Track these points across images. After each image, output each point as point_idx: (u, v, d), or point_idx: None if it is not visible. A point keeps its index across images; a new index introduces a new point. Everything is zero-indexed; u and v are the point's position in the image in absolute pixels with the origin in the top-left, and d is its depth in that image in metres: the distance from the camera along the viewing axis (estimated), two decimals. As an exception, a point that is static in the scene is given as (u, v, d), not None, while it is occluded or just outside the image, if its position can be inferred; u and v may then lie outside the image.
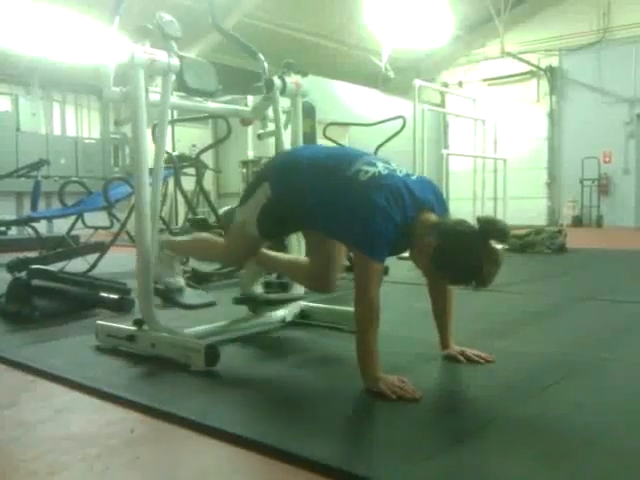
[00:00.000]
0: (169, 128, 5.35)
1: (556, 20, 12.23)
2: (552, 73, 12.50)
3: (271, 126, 2.82)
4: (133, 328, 2.26)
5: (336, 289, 2.34)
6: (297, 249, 2.73)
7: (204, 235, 2.50)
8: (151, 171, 2.30)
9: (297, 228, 2.32)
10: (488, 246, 1.76)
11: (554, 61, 12.49)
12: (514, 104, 12.89)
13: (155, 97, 2.28)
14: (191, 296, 2.47)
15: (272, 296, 2.68)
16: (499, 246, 1.82)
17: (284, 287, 2.82)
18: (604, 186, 11.88)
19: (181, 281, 2.46)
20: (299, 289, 2.72)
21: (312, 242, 2.34)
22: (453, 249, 1.77)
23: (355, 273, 1.85)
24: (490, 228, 1.76)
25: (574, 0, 12.06)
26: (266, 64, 2.68)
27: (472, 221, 1.83)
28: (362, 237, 1.81)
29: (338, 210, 1.90)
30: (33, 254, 4.17)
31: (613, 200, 11.85)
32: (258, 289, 2.61)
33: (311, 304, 2.80)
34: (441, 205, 1.95)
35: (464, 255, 1.75)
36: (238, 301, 2.57)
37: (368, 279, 1.80)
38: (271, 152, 2.90)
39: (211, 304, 2.51)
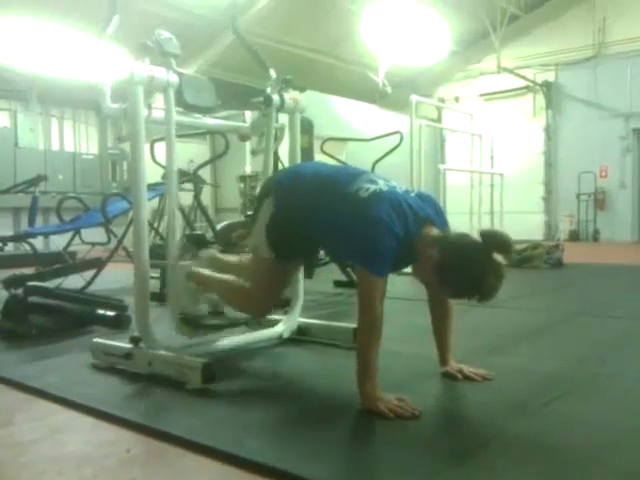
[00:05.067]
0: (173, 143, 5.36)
1: (552, 36, 12.34)
2: (548, 88, 12.59)
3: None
4: (130, 346, 2.25)
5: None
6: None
7: (233, 278, 2.30)
8: (150, 186, 2.32)
9: (307, 246, 2.24)
10: (491, 259, 1.76)
11: (550, 76, 12.59)
12: (510, 119, 12.96)
13: (157, 113, 2.30)
14: (216, 319, 2.45)
15: (214, 321, 2.53)
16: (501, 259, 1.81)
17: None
18: (601, 201, 11.92)
19: (204, 309, 2.43)
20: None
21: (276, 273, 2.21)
22: (457, 262, 1.77)
23: (358, 289, 1.85)
24: (493, 241, 1.77)
25: (569, 16, 12.19)
26: (274, 77, 2.66)
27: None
28: (365, 253, 1.81)
29: (339, 227, 1.91)
30: (30, 271, 4.15)
31: (610, 215, 11.88)
32: (201, 309, 2.46)
33: (308, 320, 2.78)
34: (441, 219, 1.96)
35: (468, 268, 1.76)
36: (182, 321, 2.38)
37: (371, 295, 1.79)
38: (270, 168, 2.90)
39: (239, 324, 2.50)
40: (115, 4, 2.31)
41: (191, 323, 2.33)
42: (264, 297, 2.18)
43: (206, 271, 2.38)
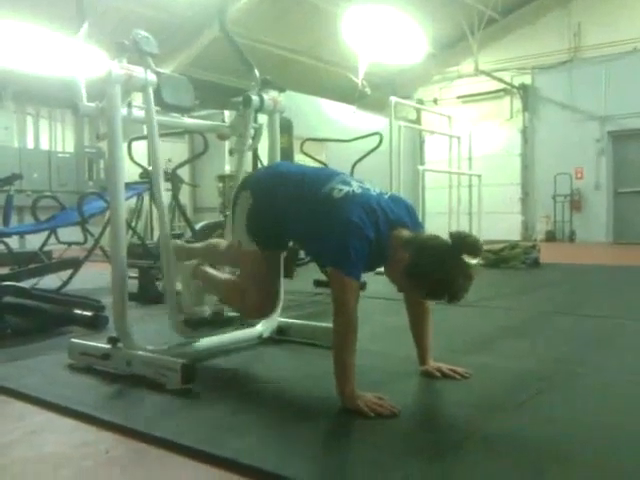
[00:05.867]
0: (144, 143, 5.33)
1: (528, 39, 12.50)
2: (525, 91, 12.74)
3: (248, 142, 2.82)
4: (107, 346, 2.23)
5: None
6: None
7: (238, 280, 2.30)
8: (127, 186, 2.31)
9: (285, 239, 2.23)
10: (460, 260, 1.79)
11: (527, 79, 12.75)
12: (488, 121, 13.10)
13: (137, 113, 2.28)
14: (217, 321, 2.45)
15: (219, 316, 2.52)
16: (473, 261, 1.84)
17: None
18: (576, 202, 12.10)
19: (207, 310, 2.42)
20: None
21: (269, 269, 2.21)
22: (426, 263, 1.78)
23: (332, 290, 1.86)
24: (462, 242, 1.79)
25: (546, 20, 12.36)
26: (259, 78, 2.66)
27: (447, 236, 1.86)
28: (337, 254, 1.82)
29: (313, 226, 1.93)
30: (4, 270, 4.09)
31: (585, 215, 12.06)
32: (205, 310, 2.45)
33: (288, 320, 2.78)
34: (414, 221, 1.97)
35: (436, 269, 1.77)
36: (188, 324, 2.39)
37: (345, 296, 1.80)
38: (248, 167, 2.89)
39: (239, 319, 2.49)
40: (83, 11, 2.29)
41: (193, 324, 2.34)
42: (259, 295, 2.15)
43: (212, 270, 2.40)
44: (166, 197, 5.45)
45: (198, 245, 2.52)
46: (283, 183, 2.07)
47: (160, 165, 2.35)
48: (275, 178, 2.12)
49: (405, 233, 1.88)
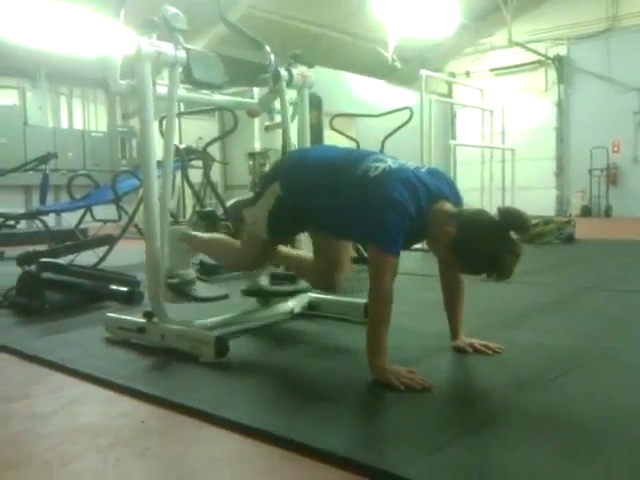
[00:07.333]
0: (176, 121, 5.37)
1: (564, 8, 12.13)
2: (560, 62, 12.41)
3: (278, 118, 2.81)
4: (143, 320, 2.28)
5: (341, 289, 2.36)
6: (307, 245, 2.72)
7: (223, 236, 2.47)
8: (159, 164, 2.32)
9: (307, 228, 2.28)
10: (509, 237, 1.75)
11: (562, 50, 12.41)
12: (522, 94, 12.82)
13: (162, 90, 2.29)
14: (204, 289, 2.47)
15: (280, 288, 2.68)
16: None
17: (291, 279, 2.82)
18: (613, 176, 11.82)
19: (192, 274, 2.47)
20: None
21: (319, 242, 2.31)
22: (474, 239, 1.76)
23: (369, 266, 1.85)
24: (511, 219, 1.75)
25: (582, -12, 11.97)
26: (272, 56, 2.67)
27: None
28: (376, 231, 1.81)
29: (350, 207, 1.90)
30: (42, 247, 4.18)
31: (622, 190, 11.78)
32: (264, 281, 2.63)
33: (319, 295, 2.80)
34: (455, 194, 1.94)
35: (485, 245, 1.75)
36: (247, 293, 2.60)
37: (382, 272, 1.79)
38: (278, 144, 2.89)
39: (224, 297, 2.52)
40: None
41: (176, 290, 2.35)
42: (251, 263, 2.38)
43: (199, 233, 2.48)
44: (197, 175, 5.49)
45: (204, 235, 2.52)
46: (315, 170, 2.04)
47: (172, 141, 2.33)
48: (307, 165, 2.09)
49: (448, 206, 1.85)
